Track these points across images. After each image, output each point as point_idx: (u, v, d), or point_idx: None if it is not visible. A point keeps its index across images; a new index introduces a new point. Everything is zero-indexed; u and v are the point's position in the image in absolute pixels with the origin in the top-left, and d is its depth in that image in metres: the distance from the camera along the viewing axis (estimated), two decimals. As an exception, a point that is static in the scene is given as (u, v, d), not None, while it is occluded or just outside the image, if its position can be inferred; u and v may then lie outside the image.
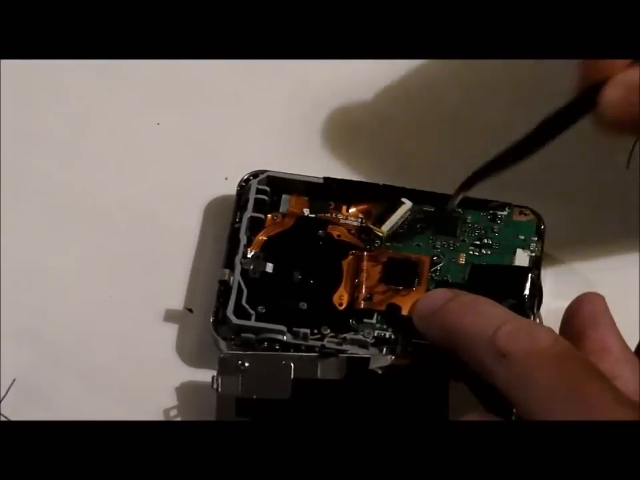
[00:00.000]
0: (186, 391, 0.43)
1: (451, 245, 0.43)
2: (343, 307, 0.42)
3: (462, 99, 0.49)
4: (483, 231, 0.43)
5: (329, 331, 0.41)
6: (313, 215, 0.44)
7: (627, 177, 0.47)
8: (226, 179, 0.46)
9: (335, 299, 0.42)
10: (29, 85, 0.49)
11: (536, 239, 0.43)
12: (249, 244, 0.43)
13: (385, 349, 0.41)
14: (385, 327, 0.42)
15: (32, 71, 0.48)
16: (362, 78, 0.49)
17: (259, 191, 0.44)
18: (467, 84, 0.49)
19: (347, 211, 0.44)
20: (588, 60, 0.38)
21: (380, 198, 0.44)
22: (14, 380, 0.43)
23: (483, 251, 0.43)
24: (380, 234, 0.43)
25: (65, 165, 0.47)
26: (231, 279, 0.42)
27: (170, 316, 0.44)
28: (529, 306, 0.42)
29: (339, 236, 0.44)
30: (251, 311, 0.41)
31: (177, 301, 0.45)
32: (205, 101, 0.48)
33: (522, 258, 0.43)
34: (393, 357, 0.40)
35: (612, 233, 0.46)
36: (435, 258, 0.43)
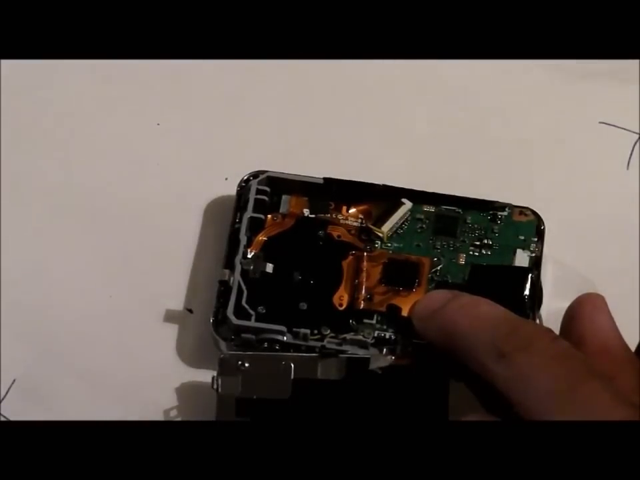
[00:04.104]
0: (186, 391, 0.43)
1: (451, 245, 0.43)
2: (343, 307, 0.42)
3: (463, 99, 0.49)
4: (483, 231, 0.43)
5: (329, 331, 0.41)
6: (313, 216, 0.44)
7: (627, 177, 0.47)
8: (226, 179, 0.46)
9: (335, 299, 0.42)
10: (29, 85, 0.49)
11: (536, 239, 0.43)
12: (249, 244, 0.43)
13: (384, 350, 0.41)
14: (385, 327, 0.42)
15: (32, 70, 0.48)
16: (361, 77, 0.49)
17: (258, 192, 0.44)
18: (466, 83, 0.49)
19: (347, 211, 0.44)
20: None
21: (380, 198, 0.44)
22: (14, 380, 0.43)
23: (483, 251, 0.43)
24: (380, 234, 0.43)
25: (65, 164, 0.47)
26: (231, 279, 0.42)
27: (170, 316, 0.44)
28: (529, 306, 0.41)
29: (339, 236, 0.44)
30: (251, 312, 0.41)
31: (177, 301, 0.45)
32: (205, 101, 0.48)
33: (522, 258, 0.43)
34: (393, 357, 0.40)
35: (612, 233, 0.46)
36: (435, 259, 0.43)
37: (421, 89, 0.49)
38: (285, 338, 0.41)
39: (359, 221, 0.44)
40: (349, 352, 0.41)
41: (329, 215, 0.44)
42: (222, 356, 0.40)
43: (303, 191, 0.44)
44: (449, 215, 0.44)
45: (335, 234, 0.44)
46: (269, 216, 0.44)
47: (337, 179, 0.44)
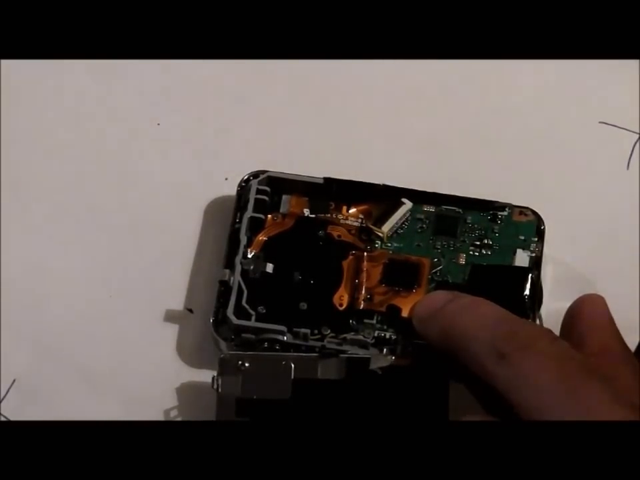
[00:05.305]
0: (186, 391, 0.43)
1: (451, 245, 0.43)
2: (343, 307, 0.42)
3: (463, 99, 0.49)
4: (483, 231, 0.43)
5: (329, 331, 0.41)
6: (313, 216, 0.44)
7: (627, 177, 0.47)
8: (226, 179, 0.46)
9: (335, 299, 0.42)
10: (28, 85, 0.49)
11: (536, 239, 0.43)
12: (249, 244, 0.43)
13: (385, 350, 0.41)
14: (385, 327, 0.42)
15: (32, 70, 0.48)
16: (362, 77, 0.49)
17: (259, 191, 0.44)
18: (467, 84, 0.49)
19: (347, 211, 0.44)
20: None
21: (380, 198, 0.44)
22: (14, 380, 0.43)
23: (483, 251, 0.43)
24: (380, 234, 0.43)
25: (65, 164, 0.47)
26: (231, 279, 0.42)
27: (170, 316, 0.44)
28: (529, 306, 0.41)
29: (339, 236, 0.44)
30: (251, 311, 0.41)
31: (177, 301, 0.45)
32: (205, 100, 0.48)
33: (522, 258, 0.43)
34: (393, 358, 0.40)
35: (612, 233, 0.46)
36: (435, 260, 0.43)
37: (421, 89, 0.49)
38: (285, 338, 0.41)
39: (359, 220, 0.44)
40: (349, 352, 0.41)
41: (329, 215, 0.44)
42: (222, 356, 0.40)
43: (303, 190, 0.44)
44: (449, 215, 0.44)
45: (335, 234, 0.44)
46: (269, 216, 0.44)
47: (337, 179, 0.44)
